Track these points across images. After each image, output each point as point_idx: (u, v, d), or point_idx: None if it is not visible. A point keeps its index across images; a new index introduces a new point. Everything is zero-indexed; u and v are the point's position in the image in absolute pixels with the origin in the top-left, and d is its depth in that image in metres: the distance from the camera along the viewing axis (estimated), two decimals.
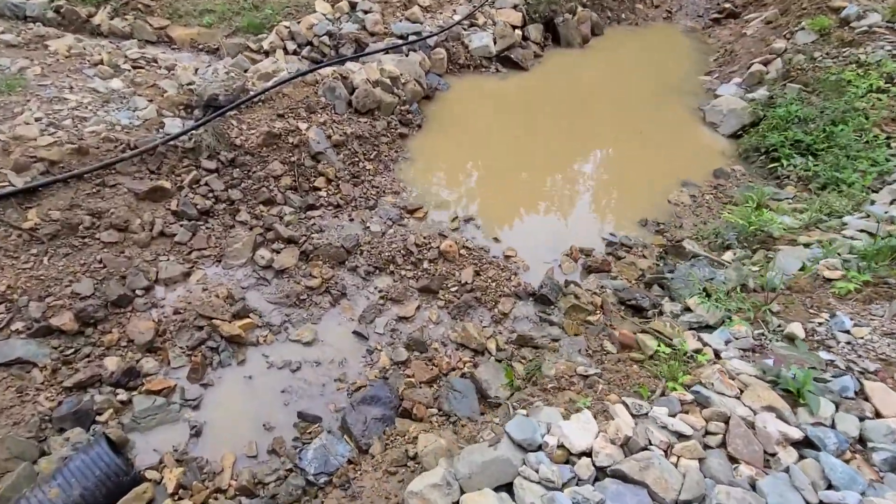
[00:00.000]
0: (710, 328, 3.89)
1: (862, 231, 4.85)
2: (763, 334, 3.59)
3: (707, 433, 2.77)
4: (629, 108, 8.09)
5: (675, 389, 3.07)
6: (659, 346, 3.57)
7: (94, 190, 4.96)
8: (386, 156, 6.43)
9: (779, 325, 3.64)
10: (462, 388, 3.88)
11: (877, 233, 4.58)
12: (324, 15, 8.76)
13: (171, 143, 5.46)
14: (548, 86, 8.61)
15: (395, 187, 6.01)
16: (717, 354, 3.46)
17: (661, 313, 4.36)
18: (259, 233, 5.25)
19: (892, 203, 5.15)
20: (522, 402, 3.35)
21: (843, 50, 7.37)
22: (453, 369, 4.22)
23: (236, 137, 5.78)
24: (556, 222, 5.85)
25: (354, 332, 4.57)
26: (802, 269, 4.46)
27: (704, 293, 4.25)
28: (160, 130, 5.66)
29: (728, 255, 5.06)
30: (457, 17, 8.80)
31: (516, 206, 6.01)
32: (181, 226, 5.09)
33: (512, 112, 7.85)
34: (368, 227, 5.42)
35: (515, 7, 9.30)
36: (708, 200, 6.16)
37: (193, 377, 4.14)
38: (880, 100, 6.36)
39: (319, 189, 5.78)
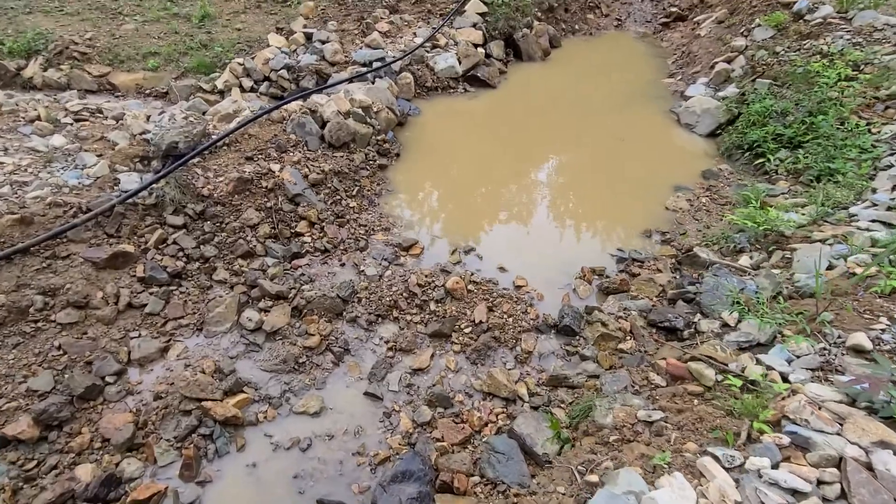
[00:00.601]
0: (761, 346, 3.50)
1: (875, 221, 4.63)
2: (825, 349, 3.22)
3: (820, 482, 2.34)
4: (604, 116, 7.84)
5: (763, 431, 2.64)
6: (726, 377, 3.14)
7: (44, 264, 4.21)
8: (369, 190, 5.87)
9: (839, 337, 3.28)
10: (504, 448, 3.35)
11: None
12: (279, 48, 8.20)
13: (130, 200, 4.75)
14: (519, 101, 8.29)
15: (384, 223, 5.46)
16: (784, 378, 3.06)
17: (697, 333, 3.96)
18: (242, 291, 4.59)
19: (893, 189, 4.98)
20: (587, 463, 2.84)
21: (804, 42, 7.35)
22: (486, 424, 3.68)
23: (203, 187, 5.11)
24: (559, 243, 5.43)
25: (366, 394, 3.97)
26: (830, 268, 4.18)
27: (740, 306, 3.88)
28: (115, 188, 4.94)
29: (744, 260, 4.75)
30: (418, 40, 8.39)
31: (515, 231, 5.56)
32: (151, 294, 4.38)
33: (488, 131, 7.46)
34: (363, 272, 4.84)
35: (475, 26, 8.99)
36: (705, 203, 5.88)
37: (187, 474, 3.44)
38: (852, 87, 6.29)
39: (302, 234, 5.17)
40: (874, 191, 5.06)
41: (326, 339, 4.31)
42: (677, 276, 4.72)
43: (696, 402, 3.14)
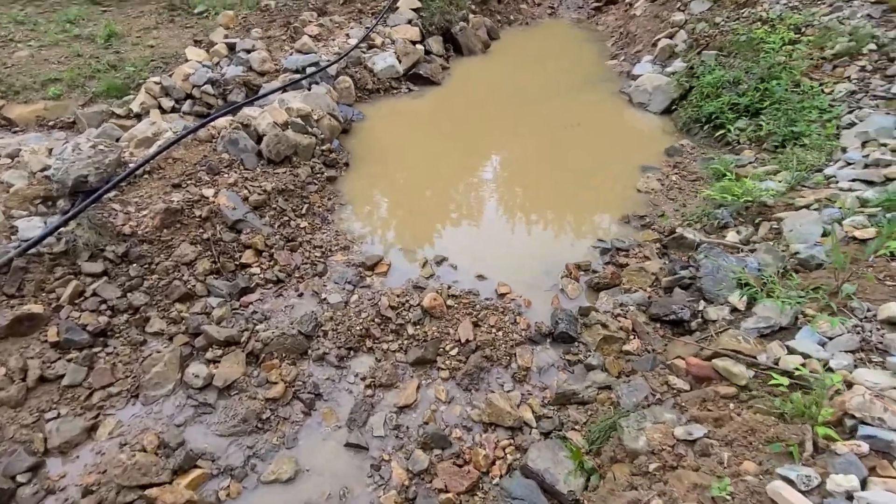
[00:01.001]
0: (784, 331, 3.12)
1: (855, 181, 4.40)
2: (858, 326, 2.86)
3: None
4: (555, 103, 7.46)
5: (831, 438, 2.21)
6: (766, 374, 2.70)
7: None
8: (319, 206, 5.19)
9: (868, 310, 2.93)
10: (521, 491, 2.80)
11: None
12: (199, 62, 7.34)
13: (33, 250, 3.89)
14: (466, 96, 7.79)
15: (342, 242, 4.80)
16: (826, 367, 2.67)
17: (706, 322, 3.56)
18: (184, 342, 3.83)
19: (863, 146, 4.79)
20: (633, 503, 2.34)
21: (741, 11, 7.24)
22: (494, 462, 3.12)
23: (124, 224, 4.30)
24: (536, 241, 4.94)
25: (348, 445, 3.32)
26: (825, 234, 3.88)
27: (751, 288, 3.50)
28: (13, 238, 4.06)
29: (731, 236, 4.42)
30: (353, 41, 7.74)
31: (487, 233, 5.03)
32: (69, 361, 3.56)
33: (439, 130, 6.91)
34: (325, 300, 4.17)
35: (410, 22, 8.42)
36: (675, 181, 5.57)
37: None
38: (798, 50, 6.15)
39: (249, 266, 4.44)
40: (844, 150, 4.87)
41: (292, 385, 3.63)
42: (667, 262, 4.32)
43: (732, 406, 2.70)
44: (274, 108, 5.76)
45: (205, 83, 7.02)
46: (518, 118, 7.11)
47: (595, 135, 6.64)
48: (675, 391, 3.06)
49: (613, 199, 5.41)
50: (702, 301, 3.73)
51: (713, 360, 3.00)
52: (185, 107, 7.02)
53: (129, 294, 4.03)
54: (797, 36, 6.41)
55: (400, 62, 7.79)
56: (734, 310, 3.50)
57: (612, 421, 2.93)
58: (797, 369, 2.61)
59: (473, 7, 9.72)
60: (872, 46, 5.84)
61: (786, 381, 2.53)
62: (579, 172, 5.91)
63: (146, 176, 4.87)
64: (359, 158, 6.11)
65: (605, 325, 3.65)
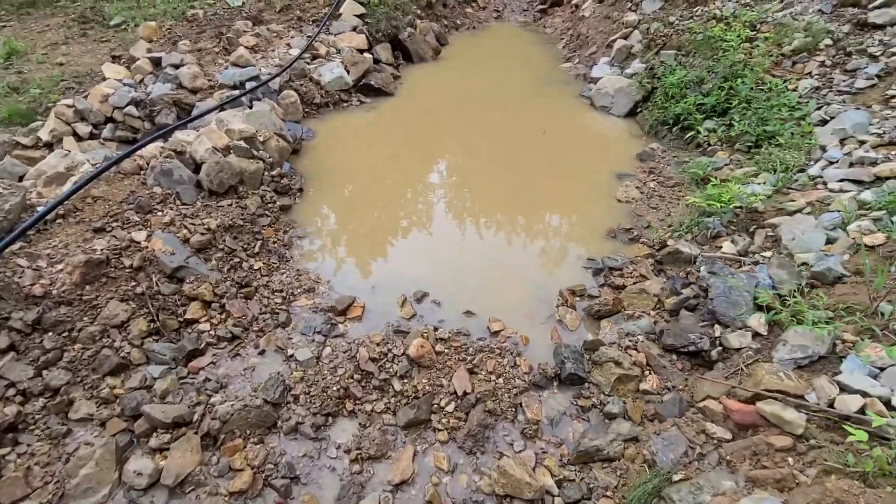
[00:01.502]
0: (823, 360, 2.78)
1: (844, 181, 4.21)
2: None
3: None
4: (516, 110, 7.05)
5: None
6: (860, 436, 2.28)
7: None
8: (274, 242, 4.49)
9: None
10: None
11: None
12: (120, 81, 6.40)
13: None
14: (422, 106, 7.24)
15: (305, 282, 4.13)
16: (888, 406, 2.32)
17: (727, 351, 3.19)
18: (120, 429, 3.07)
19: (843, 144, 4.63)
20: None
21: (694, 10, 7.10)
22: None
23: (34, 284, 3.47)
24: (520, 263, 4.46)
25: None
26: (830, 242, 3.63)
27: (775, 312, 3.16)
28: None
29: (727, 246, 4.11)
30: (294, 52, 7.02)
31: (466, 259, 4.51)
32: None
33: (398, 145, 6.33)
34: (293, 357, 3.51)
35: (355, 29, 7.78)
36: (654, 188, 5.26)
37: None
38: (758, 47, 6.03)
39: (196, 321, 3.70)
40: (823, 149, 4.70)
41: (261, 470, 2.96)
42: (667, 281, 3.95)
43: (791, 461, 2.31)
44: (212, 130, 4.99)
45: (127, 104, 6.11)
46: (480, 128, 6.64)
47: (563, 142, 6.27)
48: (715, 441, 2.65)
49: (594, 212, 5.03)
50: (717, 325, 3.36)
51: (757, 404, 2.61)
52: (106, 132, 6.08)
53: (44, 372, 3.23)
54: (753, 33, 6.29)
55: (348, 72, 7.14)
56: (756, 334, 3.15)
57: (652, 486, 2.47)
58: (869, 416, 2.25)
59: (419, 12, 9.19)
60: (828, 41, 5.77)
61: (864, 435, 2.16)
62: (553, 184, 5.50)
63: (60, 221, 4.02)
64: (313, 182, 5.44)
65: (617, 363, 3.21)
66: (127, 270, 3.73)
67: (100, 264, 3.67)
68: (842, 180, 4.20)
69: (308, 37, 7.36)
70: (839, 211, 3.77)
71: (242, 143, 4.94)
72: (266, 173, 5.05)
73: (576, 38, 8.98)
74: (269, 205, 4.80)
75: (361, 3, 8.00)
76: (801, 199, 4.21)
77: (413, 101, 7.32)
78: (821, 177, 4.39)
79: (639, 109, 6.74)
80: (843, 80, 5.36)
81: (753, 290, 3.33)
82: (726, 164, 5.28)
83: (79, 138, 6.04)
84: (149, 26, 7.29)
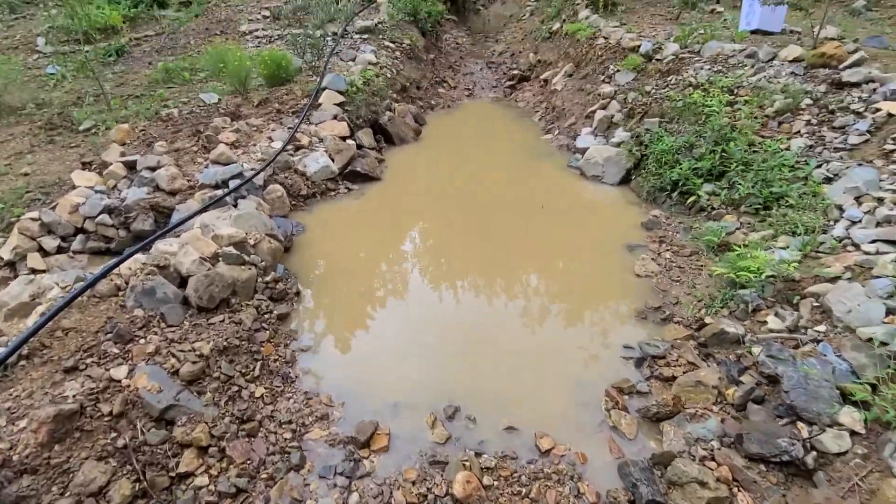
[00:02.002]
0: None
1: (876, 241, 4.00)
2: None
3: None
4: (509, 185, 6.87)
5: None
6: None
7: None
8: (275, 360, 3.93)
9: None
10: None
11: None
12: (91, 188, 5.94)
13: None
14: (413, 188, 6.98)
15: (316, 408, 3.55)
16: None
17: (824, 457, 2.74)
18: None
19: (859, 202, 4.49)
20: None
21: (668, 79, 7.22)
22: None
23: None
24: (551, 357, 4.00)
25: None
26: (890, 313, 3.33)
27: (869, 412, 2.77)
28: None
29: (773, 322, 3.78)
30: (277, 144, 6.73)
31: (488, 356, 4.02)
32: None
33: (393, 231, 5.97)
34: None
35: (336, 117, 7.61)
36: (671, 258, 4.99)
37: None
38: (742, 111, 6.06)
39: (192, 475, 3.05)
40: (840, 208, 4.55)
41: None
42: (718, 366, 3.56)
43: None
44: (197, 238, 4.52)
45: (100, 213, 5.61)
46: (475, 206, 6.37)
47: (563, 216, 6.04)
48: None
49: (615, 290, 4.68)
50: (800, 423, 2.94)
51: None
52: (76, 244, 5.54)
53: None
54: (732, 97, 6.37)
55: (333, 161, 6.87)
56: (853, 433, 2.73)
57: None
58: None
59: (395, 96, 9.17)
60: (808, 101, 5.85)
61: None
62: (566, 263, 5.18)
63: (23, 363, 3.40)
64: (309, 282, 4.96)
65: (702, 483, 2.72)
66: (105, 419, 3.10)
67: (72, 416, 3.03)
68: (874, 241, 4.00)
69: (289, 128, 7.12)
70: (888, 276, 3.51)
71: (232, 250, 4.46)
72: (260, 279, 4.55)
73: (551, 110, 9.07)
74: (266, 315, 4.27)
75: (340, 92, 7.89)
76: (837, 263, 3.97)
77: (401, 183, 7.06)
78: (848, 238, 4.19)
79: (631, 177, 6.64)
80: (835, 137, 5.35)
81: (833, 378, 2.95)
82: (738, 228, 5.08)
83: (45, 254, 5.46)
84: (121, 129, 6.93)
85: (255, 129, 7.10)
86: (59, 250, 5.54)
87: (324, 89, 7.85)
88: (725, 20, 9.15)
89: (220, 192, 5.66)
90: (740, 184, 5.36)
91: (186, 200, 5.81)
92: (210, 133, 6.66)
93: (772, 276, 4.07)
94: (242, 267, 4.43)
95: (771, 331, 3.68)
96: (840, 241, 4.23)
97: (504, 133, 8.88)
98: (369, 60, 9.11)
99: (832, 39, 7.19)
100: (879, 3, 10.95)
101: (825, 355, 3.19)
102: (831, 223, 4.50)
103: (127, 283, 4.06)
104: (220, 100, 7.78)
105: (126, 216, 5.67)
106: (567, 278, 4.94)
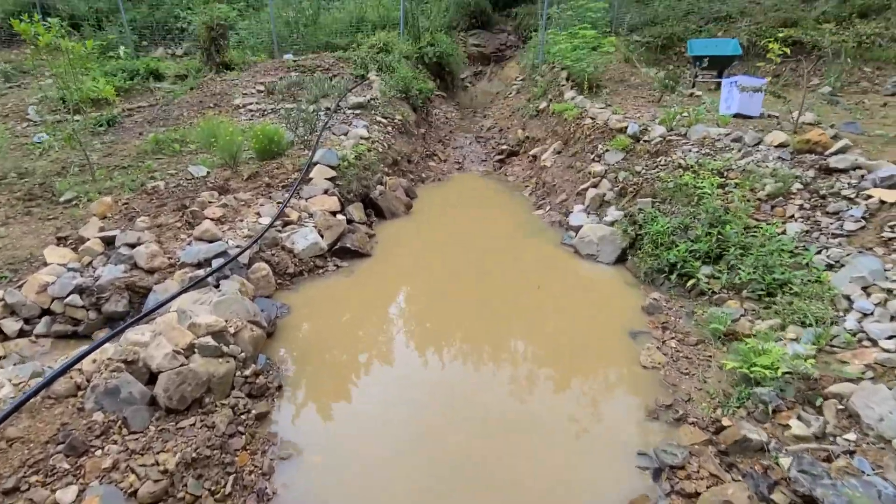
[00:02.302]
0: None
1: (894, 337, 3.81)
2: None
3: None
4: (502, 262, 6.67)
5: None
6: None
7: None
8: (250, 472, 3.46)
9: None
10: None
11: None
12: (63, 265, 5.58)
13: None
14: (403, 265, 6.74)
15: None
16: None
17: None
18: None
19: (867, 293, 4.35)
20: None
21: (657, 160, 7.30)
22: None
23: None
24: (558, 466, 3.60)
25: None
26: None
27: None
28: None
29: (797, 427, 3.48)
30: (265, 220, 6.51)
31: (499, 469, 3.60)
32: None
33: (383, 312, 5.66)
34: None
35: (327, 192, 7.48)
36: (676, 348, 4.73)
37: None
38: (733, 193, 6.06)
39: None
40: (849, 299, 4.39)
41: None
42: (744, 480, 3.20)
43: None
44: (172, 327, 4.14)
45: (70, 293, 5.23)
46: (467, 286, 6.13)
47: (561, 298, 5.81)
48: None
49: (622, 384, 4.37)
50: None
51: None
52: (40, 327, 5.11)
53: None
54: (722, 180, 6.39)
55: (323, 237, 6.64)
56: None
57: None
58: None
59: (387, 170, 9.15)
60: (799, 186, 5.87)
61: None
62: (568, 352, 4.88)
63: None
64: (293, 374, 4.55)
65: None
66: None
67: None
68: (892, 337, 3.80)
69: (279, 203, 6.93)
70: None
71: (210, 341, 4.08)
72: (238, 373, 4.15)
73: (541, 185, 9.10)
74: (243, 416, 3.83)
75: (331, 167, 7.81)
76: (856, 360, 3.75)
77: (392, 260, 6.82)
78: (863, 332, 4.00)
79: (627, 256, 6.51)
80: (831, 223, 5.31)
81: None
82: (742, 315, 4.89)
83: (5, 337, 5.02)
84: (103, 202, 6.67)
85: (243, 203, 6.90)
86: (21, 333, 5.10)
87: (315, 164, 7.77)
88: (704, 103, 9.49)
89: (201, 273, 5.34)
90: (741, 269, 5.23)
91: (166, 280, 5.47)
92: (196, 208, 6.42)
93: (788, 372, 3.81)
94: (220, 360, 4.04)
95: (797, 438, 3.37)
96: (854, 335, 4.03)
97: (495, 207, 8.83)
98: (361, 135, 9.16)
99: (811, 125, 7.43)
100: (843, 89, 11.56)
101: (865, 473, 2.87)
102: (841, 314, 4.32)
103: (88, 381, 3.64)
104: (208, 173, 7.63)
105: (98, 297, 5.29)
106: (571, 372, 4.62)
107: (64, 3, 15.61)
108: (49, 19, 7.57)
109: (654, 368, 4.49)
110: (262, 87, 11.21)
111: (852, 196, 5.44)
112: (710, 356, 4.55)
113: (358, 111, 10.16)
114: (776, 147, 6.52)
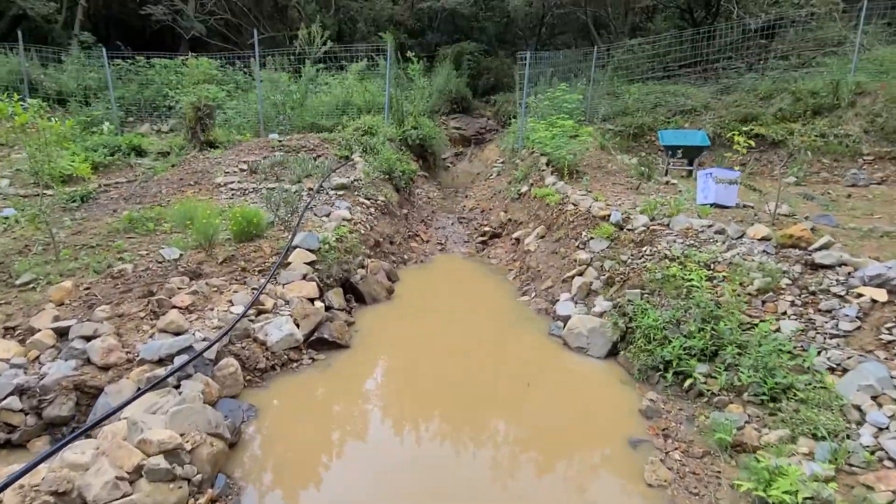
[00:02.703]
0: None
1: None
2: None
3: None
4: (487, 355, 6.29)
5: None
6: None
7: None
8: None
9: None
10: None
11: None
12: (6, 361, 5.00)
13: None
14: (384, 358, 6.30)
15: None
16: None
17: None
18: None
19: (878, 403, 4.08)
20: None
21: (642, 249, 7.23)
22: None
23: None
24: None
25: None
26: None
27: None
28: None
29: None
30: (237, 309, 6.06)
31: None
32: None
33: (364, 412, 5.15)
34: None
35: (305, 277, 7.12)
36: (681, 461, 4.32)
37: None
38: (723, 287, 5.93)
39: None
40: (860, 409, 4.11)
41: None
42: None
43: None
44: (119, 444, 3.58)
45: (8, 394, 4.63)
46: (451, 381, 5.69)
47: (552, 397, 5.41)
48: None
49: (626, 501, 3.89)
50: None
51: None
52: None
53: None
54: (710, 272, 6.29)
55: (299, 327, 6.20)
56: None
57: None
58: None
59: (368, 252, 8.90)
60: (787, 281, 5.78)
61: None
62: (562, 463, 4.42)
63: None
64: (255, 493, 3.95)
65: None
66: None
67: None
68: None
69: (253, 289, 6.52)
70: None
71: (161, 462, 3.52)
72: (192, 501, 3.55)
73: (525, 270, 8.93)
74: None
75: (311, 251, 7.51)
76: (881, 485, 3.41)
77: (371, 353, 6.37)
78: (882, 450, 3.69)
79: (618, 349, 6.21)
80: (826, 322, 5.16)
81: None
82: (747, 423, 4.55)
83: None
84: (62, 287, 6.16)
85: (215, 290, 6.47)
86: None
87: (295, 247, 7.47)
88: (680, 190, 9.70)
89: (160, 372, 4.81)
90: (740, 369, 4.96)
91: (121, 378, 4.91)
92: (163, 296, 5.96)
93: (809, 498, 3.43)
94: (171, 485, 3.46)
95: None
96: (873, 453, 3.72)
97: (479, 292, 8.56)
98: (344, 216, 8.99)
99: (786, 216, 7.54)
100: (806, 178, 12.07)
101: None
102: (853, 426, 4.02)
103: None
104: (181, 255, 7.23)
105: (41, 399, 4.69)
106: (571, 490, 4.13)
107: (52, 80, 15.68)
108: (30, 100, 7.40)
109: (661, 487, 4.05)
110: (245, 166, 11.11)
111: (842, 294, 5.34)
112: (719, 472, 4.15)
113: (341, 192, 10.06)
114: (759, 240, 6.51)
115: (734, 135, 8.24)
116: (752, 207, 8.27)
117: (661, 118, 14.92)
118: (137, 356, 5.10)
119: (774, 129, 12.88)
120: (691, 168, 11.87)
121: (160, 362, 5.03)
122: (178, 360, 4.96)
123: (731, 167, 9.03)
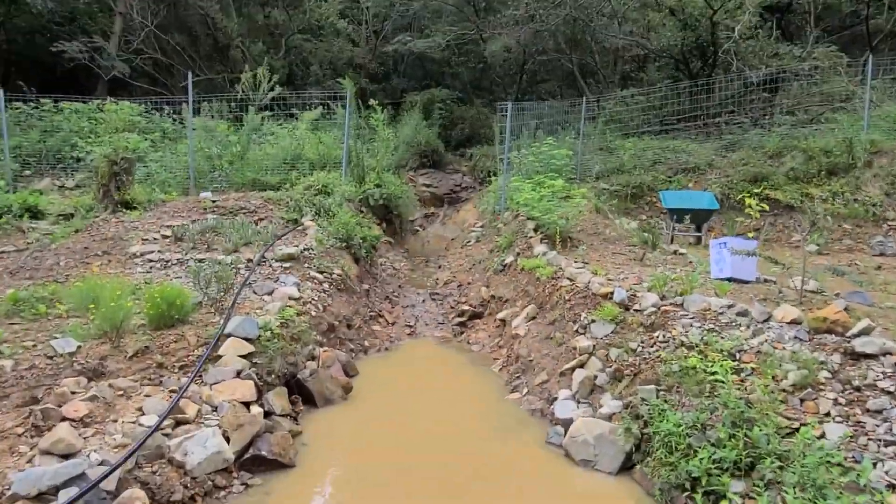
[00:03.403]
0: None
1: None
2: None
3: None
4: (473, 474, 5.97)
5: None
6: None
7: None
8: None
9: None
10: None
11: None
12: None
13: None
14: (338, 480, 5.89)
15: None
16: None
17: None
18: None
19: None
20: None
21: (654, 334, 7.22)
22: None
23: None
24: None
25: None
26: None
27: None
28: None
29: None
30: (149, 420, 5.62)
31: None
32: None
33: None
34: None
35: (240, 374, 6.75)
36: None
37: None
38: (754, 383, 5.89)
39: None
40: None
41: None
42: None
43: None
44: None
45: None
46: None
47: None
48: None
49: None
50: None
51: None
52: None
53: None
54: (736, 363, 6.27)
55: (229, 442, 5.78)
56: None
57: None
58: None
59: (321, 338, 8.61)
60: (826, 374, 5.80)
61: None
62: None
63: None
64: None
65: None
66: None
67: None
68: None
69: (172, 392, 6.11)
70: None
71: None
72: None
73: (514, 360, 8.77)
74: None
75: (248, 340, 7.18)
76: None
77: (321, 474, 5.97)
78: None
79: (633, 462, 6.00)
80: (877, 425, 5.13)
81: None
82: None
83: None
84: None
85: (120, 394, 6.02)
86: None
87: (228, 336, 7.13)
88: (690, 261, 9.93)
89: None
90: (785, 490, 4.80)
91: None
92: (50, 404, 5.49)
93: None
94: None
95: None
96: None
97: (458, 389, 8.31)
98: (291, 294, 8.75)
99: (813, 292, 7.73)
100: (828, 246, 12.62)
101: None
102: None
103: None
104: (79, 348, 6.77)
105: None
106: None
107: None
108: None
109: None
110: (168, 232, 10.86)
111: (892, 390, 5.36)
112: None
113: (288, 264, 9.87)
114: (788, 324, 6.59)
115: (745, 197, 8.60)
116: (775, 283, 8.48)
117: (662, 177, 15.60)
118: (8, 490, 4.58)
119: (789, 192, 13.56)
120: (699, 234, 12.28)
121: (38, 498, 4.52)
122: (64, 495, 4.47)
123: (745, 234, 9.36)
